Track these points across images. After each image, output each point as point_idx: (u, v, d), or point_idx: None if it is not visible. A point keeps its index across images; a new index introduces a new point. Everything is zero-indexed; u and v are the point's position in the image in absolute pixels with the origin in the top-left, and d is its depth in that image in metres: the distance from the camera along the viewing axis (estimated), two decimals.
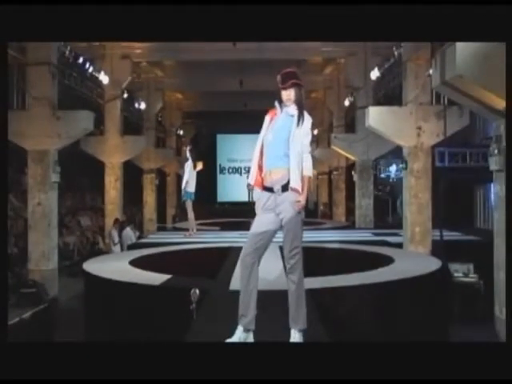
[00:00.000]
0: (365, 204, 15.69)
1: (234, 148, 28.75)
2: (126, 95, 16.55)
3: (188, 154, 11.35)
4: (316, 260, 8.40)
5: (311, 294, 5.45)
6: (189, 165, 11.11)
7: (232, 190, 28.32)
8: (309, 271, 6.87)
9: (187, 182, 11.03)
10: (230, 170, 29.56)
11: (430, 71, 8.77)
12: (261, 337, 3.70)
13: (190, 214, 11.25)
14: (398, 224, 12.83)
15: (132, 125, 18.42)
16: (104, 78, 14.29)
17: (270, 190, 3.67)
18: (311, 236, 11.86)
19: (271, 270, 6.81)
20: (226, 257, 8.10)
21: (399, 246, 10.44)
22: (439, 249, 9.74)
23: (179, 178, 22.57)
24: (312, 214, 23.51)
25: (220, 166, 29.84)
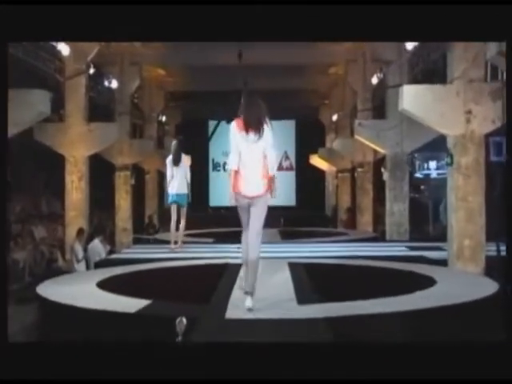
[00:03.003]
0: (398, 210, 15.72)
1: None
2: (92, 70, 16.57)
3: (175, 146, 11.29)
4: (336, 281, 8.42)
5: (329, 322, 5.47)
6: (170, 160, 11.10)
7: (228, 191, 28.09)
8: (327, 294, 6.92)
9: (170, 182, 11.07)
10: (226, 167, 29.46)
11: None
12: None
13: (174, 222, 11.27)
14: (441, 235, 12.85)
15: (101, 108, 18.48)
16: (64, 48, 14.28)
17: None
18: (330, 250, 11.89)
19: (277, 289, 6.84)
20: (221, 277, 8.11)
21: (442, 263, 10.46)
22: (496, 267, 9.74)
23: (161, 176, 22.64)
24: (331, 223, 23.56)
25: (213, 161, 29.88)
